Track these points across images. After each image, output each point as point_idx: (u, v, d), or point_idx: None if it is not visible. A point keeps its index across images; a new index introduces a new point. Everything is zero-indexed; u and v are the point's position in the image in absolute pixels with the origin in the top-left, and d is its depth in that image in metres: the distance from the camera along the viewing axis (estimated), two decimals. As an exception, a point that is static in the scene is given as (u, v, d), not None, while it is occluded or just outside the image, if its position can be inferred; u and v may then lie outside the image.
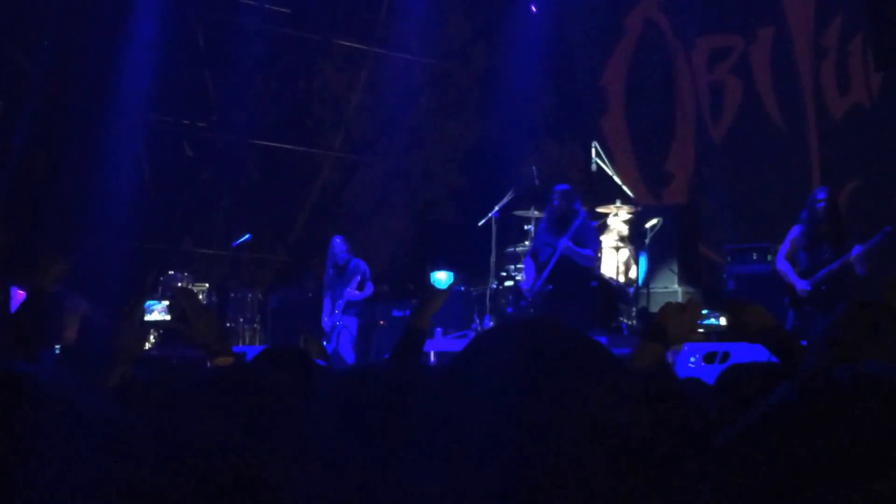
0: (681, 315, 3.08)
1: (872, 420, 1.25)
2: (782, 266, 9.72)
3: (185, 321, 3.09)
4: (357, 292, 11.83)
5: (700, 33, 13.61)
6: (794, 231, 9.73)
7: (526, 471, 1.29)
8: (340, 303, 11.83)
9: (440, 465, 1.33)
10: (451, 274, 12.92)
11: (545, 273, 10.47)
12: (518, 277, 11.03)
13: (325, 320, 11.98)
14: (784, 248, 9.79)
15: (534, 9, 14.37)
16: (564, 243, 10.32)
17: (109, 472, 1.37)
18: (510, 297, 11.05)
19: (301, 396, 1.53)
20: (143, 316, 3.26)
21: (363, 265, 11.99)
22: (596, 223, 11.42)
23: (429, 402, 1.43)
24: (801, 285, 9.42)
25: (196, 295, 3.52)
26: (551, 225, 10.59)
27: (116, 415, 1.44)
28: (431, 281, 13.10)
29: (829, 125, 12.54)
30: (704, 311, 3.11)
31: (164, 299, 11.22)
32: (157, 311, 11.10)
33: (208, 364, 3.06)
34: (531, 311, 10.60)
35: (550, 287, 10.48)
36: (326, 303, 12.06)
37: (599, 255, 11.14)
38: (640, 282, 11.41)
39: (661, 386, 2.56)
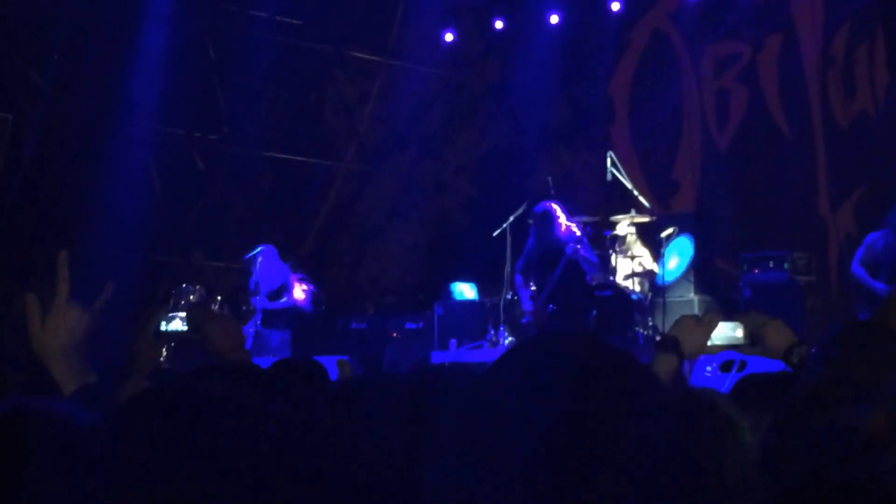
0: (696, 328, 3.10)
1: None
2: (858, 271, 9.64)
3: (201, 331, 3.12)
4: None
5: (708, 41, 13.62)
6: (874, 236, 9.66)
7: (562, 483, 1.29)
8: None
9: (475, 478, 1.32)
10: (474, 285, 12.93)
11: (546, 292, 10.49)
12: (532, 287, 10.98)
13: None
14: (860, 253, 9.71)
15: (554, 20, 14.32)
16: (572, 248, 10.31)
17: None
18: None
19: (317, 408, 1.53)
20: (158, 328, 3.26)
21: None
22: (609, 232, 11.38)
23: (462, 414, 1.41)
24: (883, 286, 9.36)
25: (210, 307, 3.54)
26: (544, 244, 10.61)
27: (116, 452, 1.42)
28: (452, 292, 13.07)
29: (835, 133, 12.51)
30: (722, 323, 3.13)
31: (180, 310, 11.18)
32: (175, 322, 11.05)
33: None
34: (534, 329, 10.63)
35: (553, 307, 10.49)
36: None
37: (613, 265, 11.12)
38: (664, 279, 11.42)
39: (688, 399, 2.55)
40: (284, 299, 12.11)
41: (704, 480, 1.36)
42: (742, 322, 3.17)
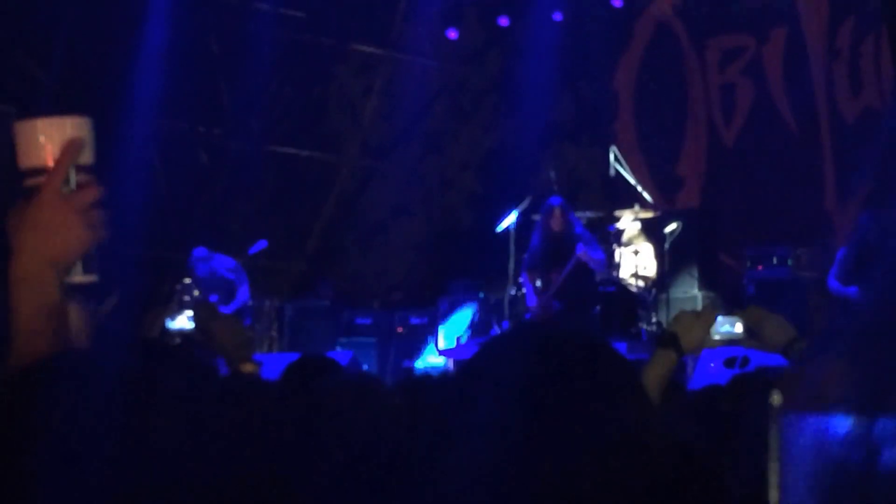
0: (694, 323, 3.09)
1: None
2: (834, 285, 9.86)
3: (206, 330, 3.12)
4: None
5: (712, 34, 13.59)
6: (844, 251, 9.92)
7: (534, 477, 1.29)
8: None
9: (450, 473, 1.32)
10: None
11: (552, 290, 10.48)
12: (538, 283, 10.96)
13: None
14: (834, 270, 9.94)
15: (558, 17, 14.28)
16: (581, 249, 10.30)
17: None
18: (528, 304, 11.02)
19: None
20: (163, 327, 3.29)
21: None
22: (614, 227, 11.36)
23: (439, 410, 1.42)
24: (855, 289, 9.55)
25: (216, 307, 3.56)
26: (551, 241, 10.60)
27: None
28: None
29: (841, 128, 12.47)
30: (719, 318, 3.16)
31: (183, 306, 11.17)
32: (180, 320, 11.03)
33: (230, 371, 3.08)
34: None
35: (558, 305, 10.49)
36: None
37: (617, 260, 11.10)
38: None
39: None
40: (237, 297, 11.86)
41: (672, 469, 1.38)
42: (741, 317, 3.17)
